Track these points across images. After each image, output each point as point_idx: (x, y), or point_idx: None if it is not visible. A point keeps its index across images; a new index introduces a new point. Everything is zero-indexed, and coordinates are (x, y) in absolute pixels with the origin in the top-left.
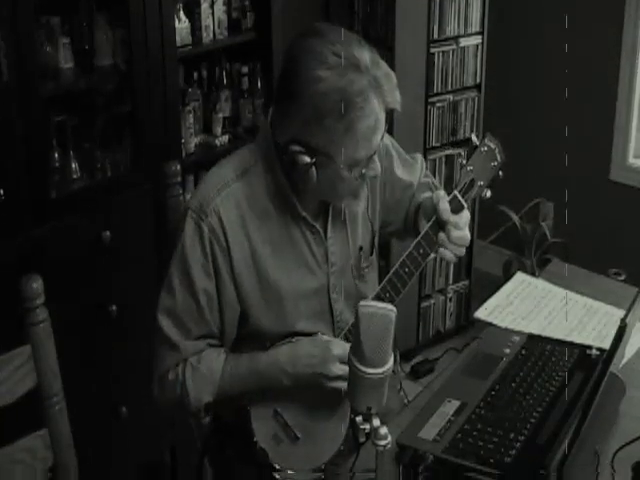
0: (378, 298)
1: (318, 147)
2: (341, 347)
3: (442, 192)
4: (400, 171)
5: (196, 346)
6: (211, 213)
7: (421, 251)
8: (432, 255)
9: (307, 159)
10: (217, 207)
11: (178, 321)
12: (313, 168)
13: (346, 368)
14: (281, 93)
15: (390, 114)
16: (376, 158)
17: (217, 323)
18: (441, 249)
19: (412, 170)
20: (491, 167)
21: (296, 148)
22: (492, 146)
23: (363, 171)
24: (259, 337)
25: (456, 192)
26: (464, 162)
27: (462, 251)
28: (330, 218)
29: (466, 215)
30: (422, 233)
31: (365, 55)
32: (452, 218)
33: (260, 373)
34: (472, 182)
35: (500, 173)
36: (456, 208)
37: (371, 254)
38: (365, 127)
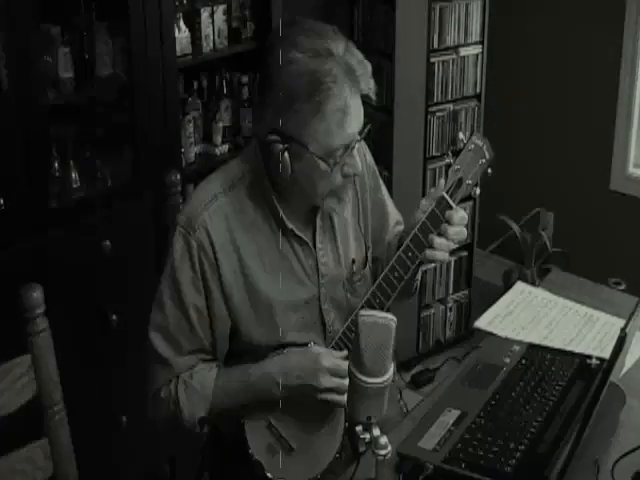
0: (368, 304)
1: (291, 133)
2: (331, 359)
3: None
4: (383, 196)
5: (188, 362)
6: (199, 228)
7: (410, 254)
8: (420, 258)
9: (281, 146)
10: (205, 222)
11: (169, 337)
12: (287, 156)
13: (336, 380)
14: (259, 85)
15: (389, 126)
16: (355, 154)
17: (208, 338)
18: (429, 251)
19: (393, 204)
20: (479, 165)
21: (272, 137)
22: (480, 143)
23: (344, 167)
24: (251, 350)
25: (443, 193)
26: (451, 161)
27: (460, 240)
28: (318, 229)
29: (458, 214)
30: (410, 236)
31: (340, 43)
32: (447, 212)
33: (252, 385)
34: (460, 181)
35: (489, 170)
36: (444, 209)
37: (364, 267)
38: (335, 109)
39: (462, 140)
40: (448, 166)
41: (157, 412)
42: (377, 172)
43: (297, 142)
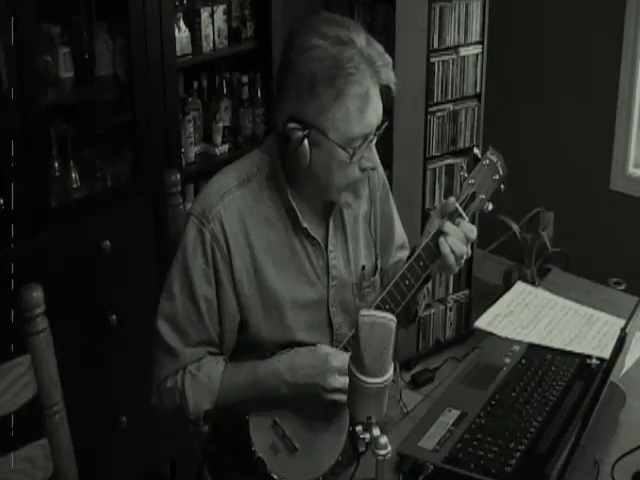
0: (377, 310)
1: (311, 120)
2: (340, 360)
3: (452, 198)
4: (391, 210)
5: (195, 354)
6: (213, 219)
7: (421, 263)
8: (431, 269)
9: (300, 133)
10: (219, 214)
11: (178, 327)
12: (306, 144)
13: (344, 381)
14: (279, 73)
15: (389, 125)
16: (373, 148)
17: (217, 330)
18: (442, 253)
19: (399, 220)
20: (493, 180)
21: (291, 125)
22: (494, 159)
23: (361, 160)
24: (259, 347)
25: (457, 204)
26: (465, 175)
27: (464, 250)
28: (330, 230)
29: (469, 227)
30: (422, 245)
31: (361, 35)
32: (463, 222)
33: (259, 381)
34: (473, 195)
35: (502, 186)
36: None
37: (374, 275)
38: (355, 94)
39: (477, 155)
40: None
41: (162, 403)
42: (388, 186)
43: (316, 129)
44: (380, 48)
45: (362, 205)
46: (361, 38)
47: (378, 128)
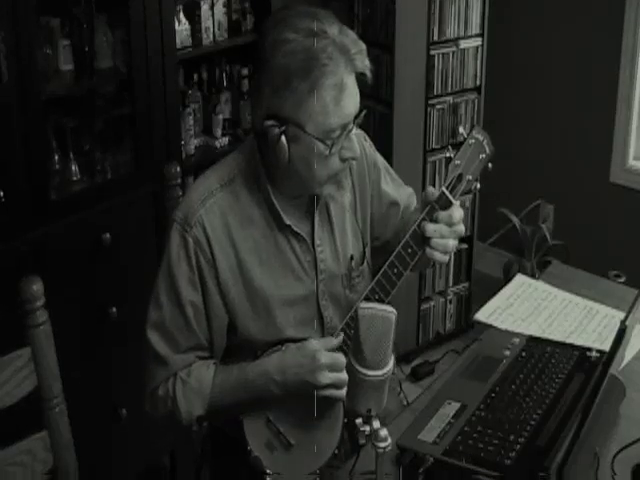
0: (367, 300)
1: (288, 115)
2: (328, 356)
3: (432, 188)
4: (387, 187)
5: (185, 360)
6: (196, 224)
7: (409, 250)
8: (419, 255)
9: (277, 130)
10: (201, 218)
11: (166, 334)
12: (284, 140)
13: (335, 376)
14: (255, 71)
15: (389, 116)
16: (353, 138)
17: (205, 334)
18: (428, 249)
19: (400, 190)
20: (480, 160)
21: (268, 122)
22: (480, 138)
23: (342, 151)
24: (249, 346)
25: (443, 188)
26: (451, 156)
27: (451, 246)
28: (316, 225)
29: (458, 211)
30: (410, 231)
31: (333, 24)
32: (442, 214)
33: (250, 383)
34: (460, 176)
35: (490, 165)
36: (445, 205)
37: (362, 264)
38: (331, 85)
39: (462, 134)
40: (448, 160)
41: (155, 409)
42: (379, 163)
43: (294, 123)
44: (353, 35)
45: (346, 195)
46: (334, 28)
47: (357, 117)
